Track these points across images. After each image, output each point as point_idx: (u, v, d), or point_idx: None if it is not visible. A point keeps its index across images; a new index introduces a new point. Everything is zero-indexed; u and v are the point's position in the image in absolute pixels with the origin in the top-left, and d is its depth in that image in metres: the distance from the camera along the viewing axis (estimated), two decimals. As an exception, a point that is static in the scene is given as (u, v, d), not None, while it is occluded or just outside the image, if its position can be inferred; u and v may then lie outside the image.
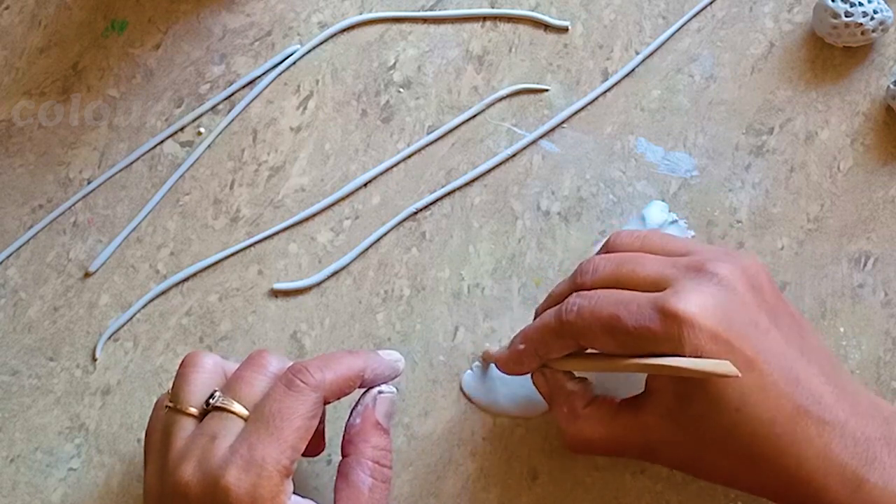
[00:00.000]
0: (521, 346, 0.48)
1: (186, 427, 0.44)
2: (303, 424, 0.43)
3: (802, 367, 0.43)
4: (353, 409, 0.47)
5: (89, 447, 0.53)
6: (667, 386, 0.44)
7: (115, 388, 0.54)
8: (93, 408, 0.53)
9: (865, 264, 0.55)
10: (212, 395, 0.44)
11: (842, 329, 0.54)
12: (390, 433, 0.47)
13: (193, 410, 0.44)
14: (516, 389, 0.53)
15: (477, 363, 0.54)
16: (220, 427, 0.43)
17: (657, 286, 0.44)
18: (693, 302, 0.42)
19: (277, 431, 0.42)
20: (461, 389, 0.53)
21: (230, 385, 0.44)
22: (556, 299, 0.48)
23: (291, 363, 0.45)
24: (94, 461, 0.53)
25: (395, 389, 0.48)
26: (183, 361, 0.46)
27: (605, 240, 0.49)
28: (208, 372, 0.46)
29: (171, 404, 0.45)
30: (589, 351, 0.47)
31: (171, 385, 0.46)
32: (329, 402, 0.45)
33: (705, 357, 0.42)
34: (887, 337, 0.54)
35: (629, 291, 0.44)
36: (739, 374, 0.41)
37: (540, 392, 0.49)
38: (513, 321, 0.54)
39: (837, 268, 0.55)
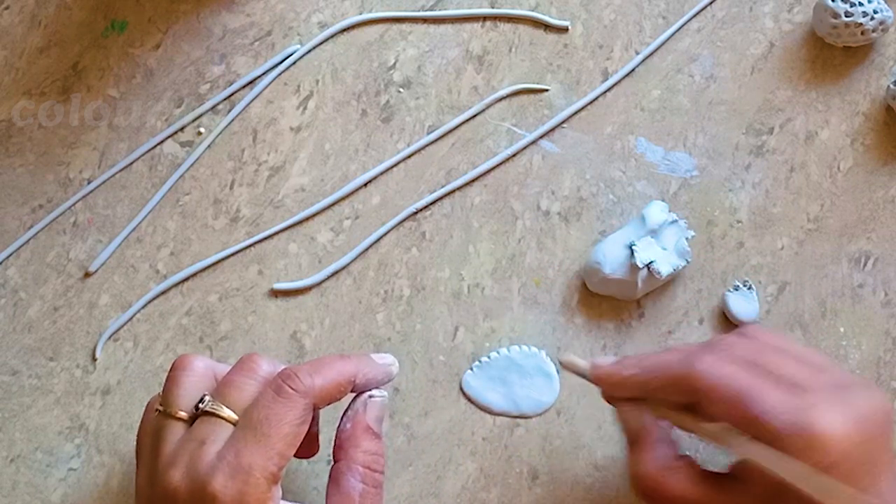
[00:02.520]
0: (633, 371, 0.46)
1: (176, 431, 0.44)
2: (291, 431, 0.43)
3: None
4: (344, 413, 0.47)
5: (89, 447, 0.53)
6: (762, 479, 0.42)
7: (115, 388, 0.54)
8: (93, 408, 0.53)
9: (865, 264, 0.55)
10: (201, 400, 0.44)
11: (842, 329, 0.54)
12: (382, 437, 0.47)
13: (183, 414, 0.44)
14: (516, 390, 0.53)
15: (477, 363, 0.54)
16: (209, 432, 0.43)
17: (796, 390, 0.42)
18: (832, 424, 0.41)
19: (265, 438, 0.42)
20: (461, 389, 0.53)
21: (220, 389, 0.44)
22: (680, 352, 0.46)
23: (282, 367, 0.45)
24: (94, 461, 0.53)
25: (386, 393, 0.48)
26: (174, 364, 0.46)
27: (740, 328, 0.47)
28: (198, 375, 0.45)
29: (161, 408, 0.45)
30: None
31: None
32: (319, 408, 0.45)
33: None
34: (887, 337, 0.54)
35: (764, 380, 0.42)
36: (859, 495, 0.40)
37: (624, 425, 0.47)
38: (513, 321, 0.54)
39: (837, 268, 0.55)
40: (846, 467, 0.41)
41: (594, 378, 0.47)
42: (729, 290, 0.55)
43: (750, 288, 0.54)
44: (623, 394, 0.46)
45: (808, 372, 0.43)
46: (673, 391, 0.44)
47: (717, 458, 0.49)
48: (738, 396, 0.42)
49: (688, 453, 0.46)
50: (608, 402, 0.48)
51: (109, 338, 0.54)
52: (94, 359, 0.54)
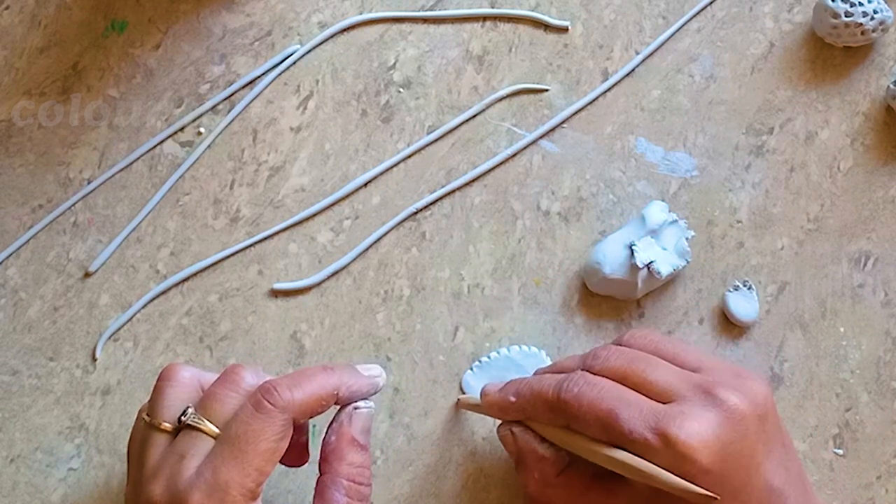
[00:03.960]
0: (512, 399, 0.47)
1: (159, 443, 0.44)
2: (269, 447, 0.42)
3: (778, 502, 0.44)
4: (329, 426, 0.47)
5: (89, 447, 0.53)
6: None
7: (115, 388, 0.54)
8: (93, 408, 0.53)
9: (865, 264, 0.55)
10: (184, 412, 0.44)
11: (842, 329, 0.54)
12: (369, 448, 0.47)
13: (167, 426, 0.44)
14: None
15: (477, 363, 0.54)
16: (190, 446, 0.43)
17: (662, 397, 0.44)
18: (695, 431, 0.42)
19: (242, 455, 0.42)
20: (461, 389, 0.54)
21: (203, 402, 0.44)
22: (560, 369, 0.48)
23: (266, 379, 0.44)
24: (94, 461, 0.53)
25: (372, 404, 0.47)
26: (160, 374, 0.46)
27: (622, 333, 0.49)
28: (184, 386, 0.45)
29: (147, 418, 0.45)
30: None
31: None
32: (300, 422, 0.44)
33: (692, 483, 0.42)
34: (887, 337, 0.54)
35: (634, 393, 0.44)
36: (718, 498, 0.41)
37: (505, 448, 0.49)
38: (513, 321, 0.54)
39: (837, 268, 0.55)
40: (718, 469, 0.42)
41: (484, 405, 0.49)
42: (729, 290, 0.55)
43: (750, 288, 0.55)
44: (508, 418, 0.48)
45: (679, 376, 0.45)
46: (549, 418, 0.46)
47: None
48: (605, 417, 0.43)
49: (571, 465, 0.47)
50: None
51: (109, 338, 0.54)
52: (94, 359, 0.54)
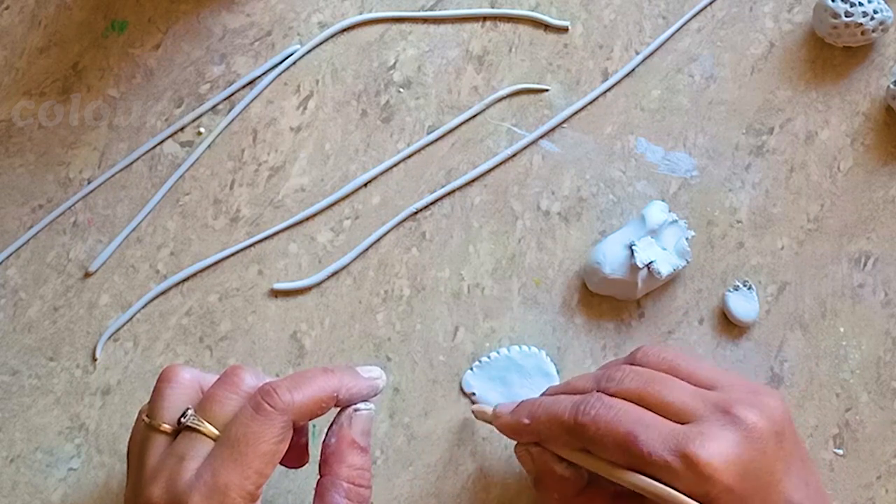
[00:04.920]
0: (526, 421, 0.47)
1: (159, 444, 0.44)
2: (269, 449, 0.42)
3: None
4: (329, 428, 0.47)
5: (89, 447, 0.53)
6: None
7: (115, 388, 0.54)
8: (93, 408, 0.53)
9: (865, 264, 0.55)
10: (184, 414, 0.44)
11: (842, 329, 0.54)
12: (369, 451, 0.46)
13: (167, 427, 0.44)
14: (516, 390, 0.53)
15: (477, 363, 0.54)
16: (189, 448, 0.43)
17: (681, 417, 0.44)
18: (716, 451, 0.42)
19: (241, 457, 0.42)
20: (461, 389, 0.53)
21: (203, 403, 0.44)
22: (573, 390, 0.47)
23: (266, 380, 0.44)
24: (94, 461, 0.53)
25: (373, 406, 0.47)
26: (160, 375, 0.46)
27: (633, 350, 0.49)
28: (184, 387, 0.45)
29: (146, 419, 0.45)
30: None
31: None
32: (300, 424, 0.44)
33: None
34: (887, 337, 0.54)
35: (652, 414, 0.44)
36: None
37: (524, 467, 0.48)
38: (513, 321, 0.54)
39: (837, 268, 0.55)
40: (741, 489, 0.42)
41: (497, 428, 0.48)
42: (729, 290, 0.55)
43: (750, 288, 0.55)
44: (523, 441, 0.48)
45: (695, 396, 0.44)
46: (565, 441, 0.45)
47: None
48: (624, 440, 0.43)
49: (590, 485, 0.47)
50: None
51: (109, 338, 0.54)
52: (94, 359, 0.54)
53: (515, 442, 0.48)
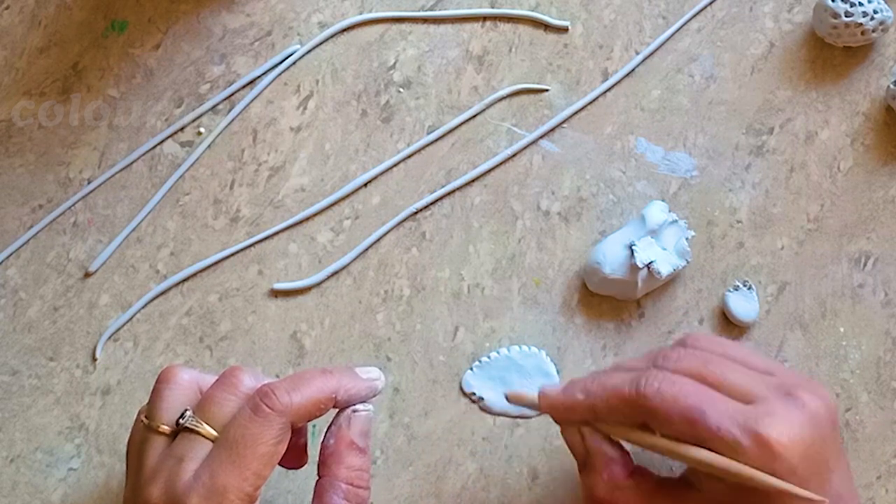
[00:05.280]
0: (581, 397, 0.45)
1: (158, 446, 0.44)
2: (267, 451, 0.42)
3: None
4: (328, 429, 0.46)
5: (89, 447, 0.53)
6: (715, 485, 0.43)
7: (115, 388, 0.54)
8: (93, 408, 0.53)
9: (865, 264, 0.55)
10: (182, 415, 0.44)
11: (842, 329, 0.54)
12: (368, 452, 0.46)
13: (165, 428, 0.44)
14: (516, 390, 0.53)
15: (477, 363, 0.54)
16: (188, 449, 0.43)
17: (744, 397, 0.43)
18: (785, 431, 0.41)
19: (240, 459, 0.42)
20: (461, 389, 0.53)
21: (201, 405, 0.44)
22: (627, 369, 0.46)
23: (264, 382, 0.44)
24: (94, 461, 0.53)
25: (371, 407, 0.47)
26: (159, 376, 0.46)
27: (681, 336, 0.48)
28: (183, 388, 0.45)
29: (145, 420, 0.45)
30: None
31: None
32: (298, 426, 0.44)
33: None
34: (887, 337, 0.54)
35: (715, 392, 0.43)
36: (826, 501, 0.41)
37: (571, 449, 0.47)
38: (513, 321, 0.54)
39: (837, 268, 0.55)
40: (802, 470, 0.41)
41: (544, 407, 0.47)
42: (729, 290, 0.55)
43: (750, 288, 0.55)
44: (574, 419, 0.46)
45: (755, 378, 0.44)
46: (624, 414, 0.44)
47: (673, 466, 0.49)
48: (690, 414, 0.42)
49: (638, 467, 0.46)
50: (559, 424, 0.47)
51: (109, 338, 0.54)
52: (94, 359, 0.54)
53: (559, 426, 0.47)
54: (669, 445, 0.43)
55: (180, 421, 0.43)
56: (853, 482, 0.45)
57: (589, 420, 0.46)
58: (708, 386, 0.43)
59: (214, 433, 0.43)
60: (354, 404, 0.46)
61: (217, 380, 0.45)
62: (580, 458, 0.47)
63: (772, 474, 0.41)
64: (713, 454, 0.42)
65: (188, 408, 0.44)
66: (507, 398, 0.49)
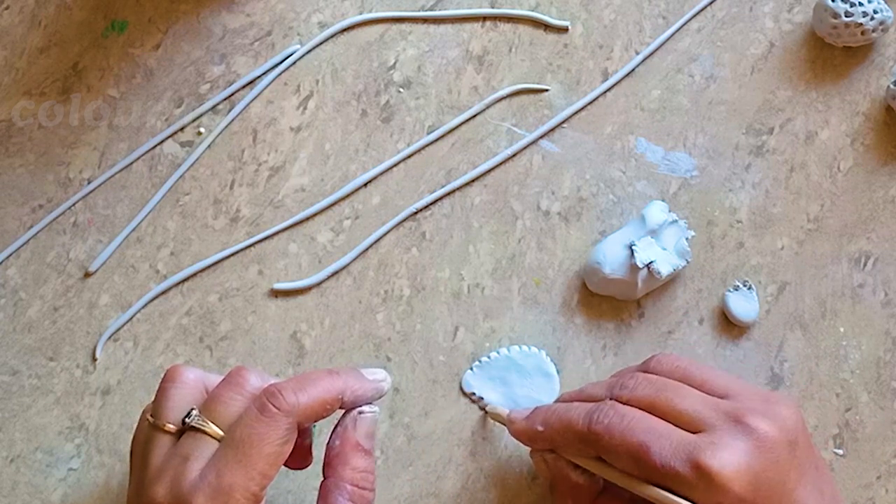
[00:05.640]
0: (540, 429, 0.47)
1: (163, 444, 0.44)
2: (273, 451, 0.42)
3: None
4: (334, 430, 0.46)
5: (89, 447, 0.53)
6: None
7: (115, 388, 0.54)
8: (93, 408, 0.53)
9: (865, 264, 0.55)
10: (188, 414, 0.44)
11: (842, 329, 0.54)
12: (373, 453, 0.46)
13: (171, 427, 0.44)
14: (516, 390, 0.53)
15: (477, 363, 0.54)
16: (194, 448, 0.43)
17: (692, 426, 0.44)
18: (728, 461, 0.42)
19: (246, 458, 0.42)
20: (461, 389, 0.54)
21: (207, 404, 0.44)
22: (587, 397, 0.48)
23: (270, 381, 0.44)
24: (94, 461, 0.53)
25: (377, 409, 0.47)
26: (165, 375, 0.46)
27: (648, 358, 0.49)
28: (188, 387, 0.45)
29: (151, 419, 0.45)
30: None
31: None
32: (304, 426, 0.44)
33: None
34: (887, 337, 0.54)
35: (664, 423, 0.44)
36: None
37: (539, 473, 0.49)
38: (513, 321, 0.54)
39: (837, 268, 0.55)
40: (753, 498, 0.42)
41: (511, 433, 0.49)
42: (729, 290, 0.55)
43: (750, 288, 0.55)
44: (537, 448, 0.48)
45: (708, 405, 0.44)
46: (578, 448, 0.46)
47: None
48: (636, 451, 0.43)
49: (604, 492, 0.47)
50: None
51: (109, 338, 0.54)
52: (94, 359, 0.54)
53: (529, 448, 0.49)
54: (622, 480, 0.44)
55: (186, 420, 0.43)
56: (831, 483, 0.45)
57: (552, 448, 0.47)
58: (658, 415, 0.44)
59: (220, 432, 0.43)
60: (360, 405, 0.46)
61: (223, 379, 0.45)
62: (546, 481, 0.49)
63: (712, 502, 0.41)
64: (658, 490, 0.43)
65: (194, 407, 0.44)
66: (485, 412, 0.52)
